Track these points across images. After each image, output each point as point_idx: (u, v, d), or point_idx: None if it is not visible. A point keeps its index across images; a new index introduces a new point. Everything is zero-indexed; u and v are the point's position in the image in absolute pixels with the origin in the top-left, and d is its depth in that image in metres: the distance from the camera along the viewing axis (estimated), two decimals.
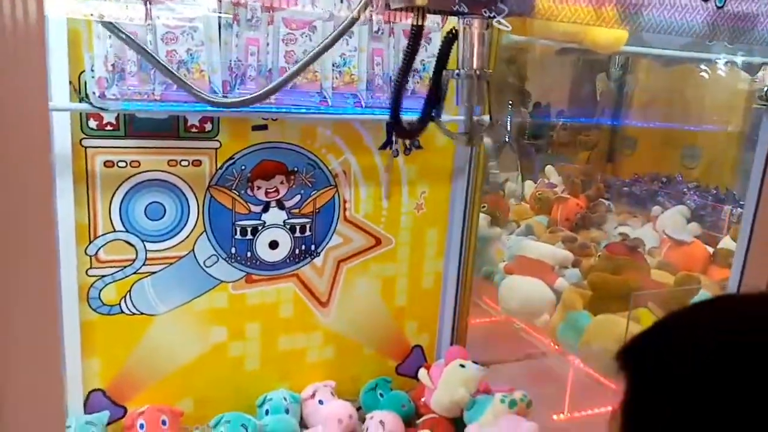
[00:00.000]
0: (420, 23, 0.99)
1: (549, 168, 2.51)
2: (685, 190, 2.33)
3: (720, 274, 1.93)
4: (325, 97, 1.26)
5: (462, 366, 1.39)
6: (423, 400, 1.45)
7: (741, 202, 2.25)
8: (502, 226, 2.05)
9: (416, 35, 1.00)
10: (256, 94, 1.10)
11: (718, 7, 1.08)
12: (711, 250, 2.16)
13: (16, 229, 0.54)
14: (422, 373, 1.44)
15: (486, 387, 1.38)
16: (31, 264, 0.55)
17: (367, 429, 1.34)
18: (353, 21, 1.00)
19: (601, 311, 1.42)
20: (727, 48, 1.59)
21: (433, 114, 1.20)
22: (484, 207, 1.75)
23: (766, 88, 1.17)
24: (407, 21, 1.27)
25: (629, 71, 2.55)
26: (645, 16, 1.00)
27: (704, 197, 2.27)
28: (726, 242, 2.21)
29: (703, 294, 1.53)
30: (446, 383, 1.37)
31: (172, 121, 1.25)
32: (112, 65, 1.09)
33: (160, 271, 1.31)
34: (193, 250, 1.33)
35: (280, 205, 1.39)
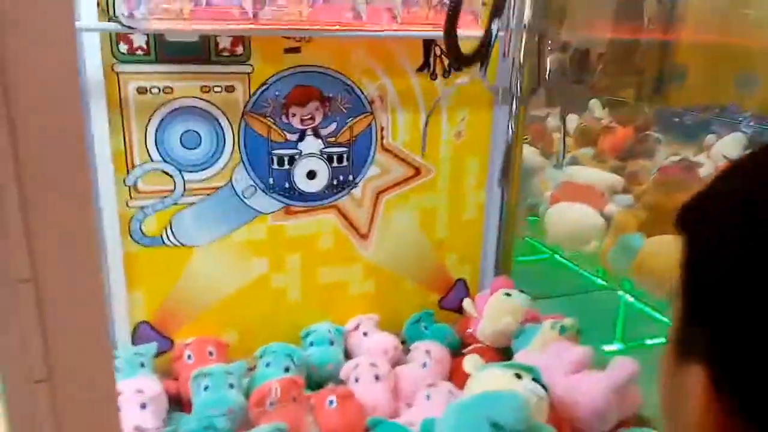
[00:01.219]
0: None
1: (593, 101, 2.39)
2: (740, 119, 2.18)
3: None
4: (359, 13, 1.20)
5: (508, 295, 1.35)
6: (469, 331, 1.42)
7: None
8: (547, 157, 1.97)
9: None
10: None
11: None
12: None
13: (48, 158, 0.50)
14: (467, 302, 1.40)
15: (534, 316, 1.34)
16: (66, 195, 0.52)
17: (413, 359, 1.32)
18: None
19: (657, 234, 1.34)
20: None
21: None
22: (526, 138, 1.67)
23: None
24: None
25: None
26: None
27: (764, 124, 2.13)
28: None
29: None
30: (492, 313, 1.33)
31: (202, 44, 1.21)
32: None
33: (199, 202, 1.30)
34: (230, 180, 1.31)
35: (316, 133, 1.35)
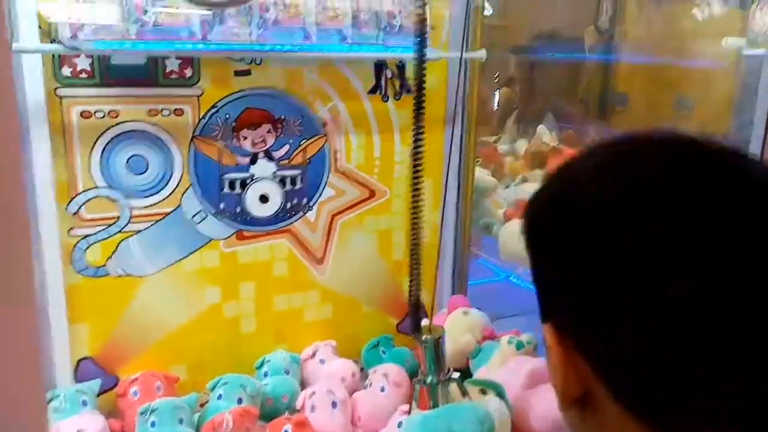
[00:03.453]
0: None
1: (541, 127, 2.46)
2: None
3: None
4: (308, 34, 1.20)
5: (465, 313, 1.35)
6: None
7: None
8: (498, 179, 2.01)
9: None
10: None
11: None
12: None
13: None
14: (425, 323, 1.38)
15: (491, 333, 1.34)
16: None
17: (371, 383, 1.29)
18: None
19: None
20: None
21: None
22: (478, 160, 1.70)
23: None
24: None
25: (618, 22, 2.51)
26: None
27: None
28: None
29: None
30: (450, 331, 1.32)
31: (149, 66, 1.19)
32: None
33: (146, 229, 1.25)
34: (179, 205, 1.27)
35: (269, 156, 1.33)
